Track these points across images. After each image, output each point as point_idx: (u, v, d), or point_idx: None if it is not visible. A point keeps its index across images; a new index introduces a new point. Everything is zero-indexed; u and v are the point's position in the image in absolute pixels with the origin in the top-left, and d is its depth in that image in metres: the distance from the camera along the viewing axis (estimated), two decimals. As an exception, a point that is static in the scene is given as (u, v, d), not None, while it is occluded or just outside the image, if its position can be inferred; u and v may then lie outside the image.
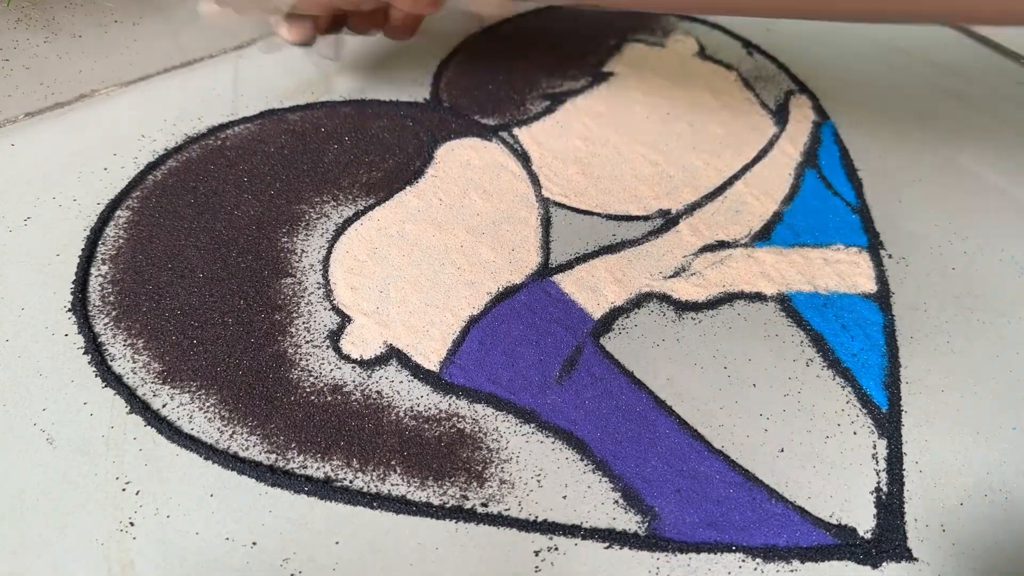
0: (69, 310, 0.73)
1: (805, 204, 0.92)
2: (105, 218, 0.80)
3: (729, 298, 0.81)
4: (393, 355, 0.72)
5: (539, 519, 0.63)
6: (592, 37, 1.10)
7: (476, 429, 0.68)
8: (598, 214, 0.88)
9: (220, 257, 0.79)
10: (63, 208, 0.81)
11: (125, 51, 1.00)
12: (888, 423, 0.71)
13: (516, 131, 0.96)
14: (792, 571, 0.61)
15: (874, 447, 0.69)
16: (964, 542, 0.63)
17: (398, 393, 0.70)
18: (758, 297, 0.81)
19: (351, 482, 0.63)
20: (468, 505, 0.63)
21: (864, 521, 0.64)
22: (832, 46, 1.14)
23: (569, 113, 1.00)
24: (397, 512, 0.62)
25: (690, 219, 0.88)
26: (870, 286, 0.83)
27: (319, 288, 0.77)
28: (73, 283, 0.75)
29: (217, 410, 0.67)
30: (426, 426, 0.68)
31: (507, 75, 1.03)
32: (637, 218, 0.88)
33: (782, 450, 0.68)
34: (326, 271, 0.79)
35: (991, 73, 1.14)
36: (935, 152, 1.01)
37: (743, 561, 0.61)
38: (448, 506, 0.63)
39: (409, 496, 0.63)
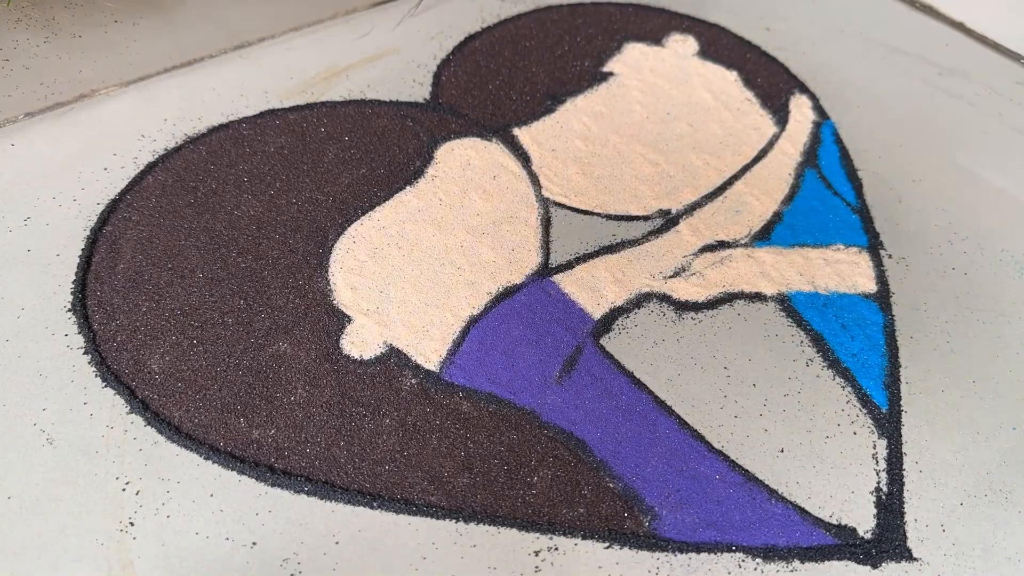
0: (69, 310, 0.73)
1: (805, 204, 0.92)
2: (105, 218, 0.80)
3: (729, 298, 0.81)
4: (393, 355, 0.72)
5: (539, 519, 0.63)
6: (592, 37, 1.10)
7: (475, 429, 0.68)
8: (598, 214, 0.88)
9: (220, 257, 0.79)
10: (63, 208, 0.81)
11: (125, 51, 1.00)
12: (888, 423, 0.71)
13: (516, 131, 0.96)
14: (792, 571, 0.61)
15: (874, 447, 0.69)
16: (964, 542, 0.63)
17: (398, 393, 0.70)
18: (758, 297, 0.81)
19: (351, 482, 0.64)
20: (468, 505, 0.63)
21: (864, 521, 0.64)
22: (832, 46, 1.14)
23: (569, 113, 1.00)
24: (397, 512, 0.62)
25: (690, 219, 0.89)
26: (870, 286, 0.83)
27: (319, 288, 0.77)
28: (73, 283, 0.75)
29: (217, 409, 0.67)
30: (426, 426, 0.68)
31: (507, 75, 1.03)
32: (637, 218, 0.88)
33: (782, 450, 0.69)
34: (326, 271, 0.79)
35: (991, 73, 1.14)
36: (935, 152, 1.01)
37: (743, 561, 0.61)
38: (448, 506, 0.63)
39: (409, 496, 0.63)
